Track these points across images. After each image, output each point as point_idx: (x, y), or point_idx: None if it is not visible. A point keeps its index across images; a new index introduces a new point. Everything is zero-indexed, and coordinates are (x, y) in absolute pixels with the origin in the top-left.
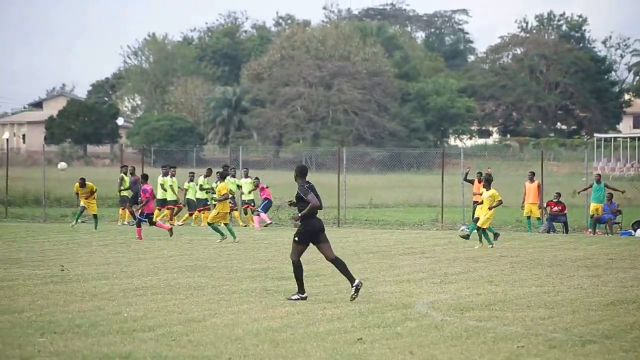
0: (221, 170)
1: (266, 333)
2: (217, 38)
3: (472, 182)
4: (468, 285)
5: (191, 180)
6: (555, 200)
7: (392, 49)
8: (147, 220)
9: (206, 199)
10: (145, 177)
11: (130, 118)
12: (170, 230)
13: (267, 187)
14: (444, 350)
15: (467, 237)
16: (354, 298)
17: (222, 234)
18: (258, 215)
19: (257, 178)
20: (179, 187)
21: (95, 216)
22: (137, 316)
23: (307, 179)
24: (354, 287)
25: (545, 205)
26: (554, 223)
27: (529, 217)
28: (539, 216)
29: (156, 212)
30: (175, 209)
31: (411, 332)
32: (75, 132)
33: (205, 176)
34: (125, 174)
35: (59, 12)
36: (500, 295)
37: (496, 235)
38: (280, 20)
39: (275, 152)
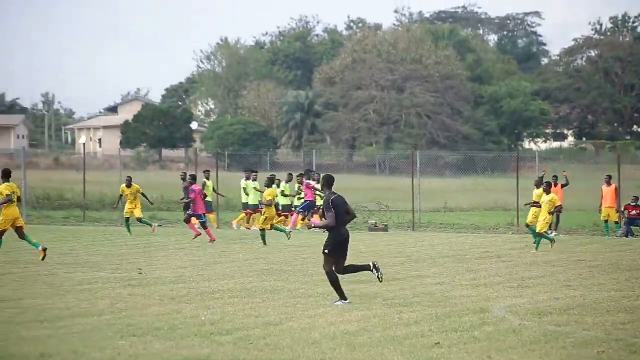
0: (303, 173)
1: (343, 337)
2: (289, 42)
3: None
4: (546, 290)
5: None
6: (634, 204)
7: (464, 52)
8: (202, 219)
9: (290, 204)
10: (193, 178)
11: (204, 122)
12: (197, 235)
13: (313, 188)
14: (523, 355)
15: (551, 241)
16: (382, 278)
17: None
18: (301, 215)
19: (300, 175)
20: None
21: (140, 219)
22: (215, 319)
23: (333, 190)
24: (374, 270)
25: (623, 209)
26: (632, 227)
27: (606, 221)
28: (617, 220)
29: (241, 215)
30: (259, 213)
31: (489, 337)
32: (150, 136)
33: (287, 182)
34: (208, 179)
35: (133, 17)
36: (579, 299)
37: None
38: (352, 24)
39: (348, 156)
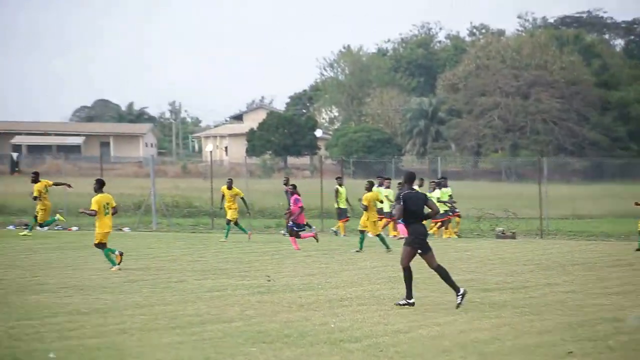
0: (438, 180)
1: (473, 345)
2: (412, 49)
3: None
4: None
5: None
6: None
7: (589, 57)
8: (298, 230)
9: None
10: (294, 187)
11: (328, 130)
12: (315, 235)
13: None
14: None
15: None
16: (459, 307)
17: (387, 246)
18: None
19: (399, 183)
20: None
21: (229, 222)
22: (344, 327)
23: (413, 186)
24: (460, 297)
25: None
26: None
27: None
28: None
29: (382, 221)
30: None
31: (624, 346)
32: (275, 144)
33: (419, 185)
34: (341, 185)
35: (257, 26)
36: None
37: None
38: (475, 30)
39: (473, 162)
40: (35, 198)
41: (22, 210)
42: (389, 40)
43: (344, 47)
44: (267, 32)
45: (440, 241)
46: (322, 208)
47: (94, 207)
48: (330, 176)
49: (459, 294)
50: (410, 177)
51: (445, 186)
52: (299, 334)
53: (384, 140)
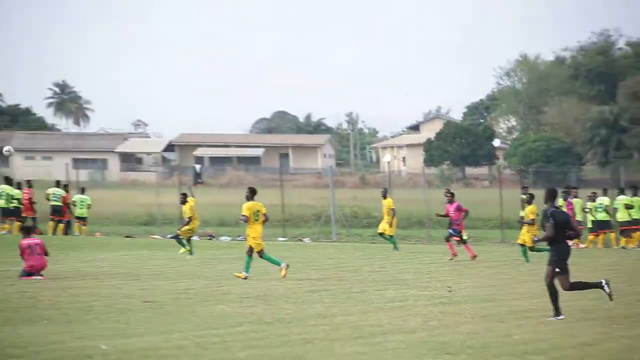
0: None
1: None
2: (591, 57)
3: None
4: None
5: (592, 201)
6: None
7: None
8: (458, 236)
9: (609, 220)
10: (452, 195)
11: (506, 139)
12: (453, 256)
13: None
14: None
15: None
16: (612, 295)
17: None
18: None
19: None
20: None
21: (390, 238)
22: (528, 339)
23: (554, 203)
24: (606, 286)
25: None
26: None
27: None
28: None
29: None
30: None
31: None
32: (452, 154)
33: (603, 195)
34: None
35: (432, 34)
36: None
37: None
38: None
39: None
40: (189, 220)
41: (205, 221)
42: (566, 49)
43: (521, 56)
44: (444, 44)
45: (624, 252)
46: (502, 218)
47: (244, 212)
48: (509, 186)
49: (603, 285)
50: (552, 194)
51: (636, 195)
52: (482, 345)
53: (564, 150)
